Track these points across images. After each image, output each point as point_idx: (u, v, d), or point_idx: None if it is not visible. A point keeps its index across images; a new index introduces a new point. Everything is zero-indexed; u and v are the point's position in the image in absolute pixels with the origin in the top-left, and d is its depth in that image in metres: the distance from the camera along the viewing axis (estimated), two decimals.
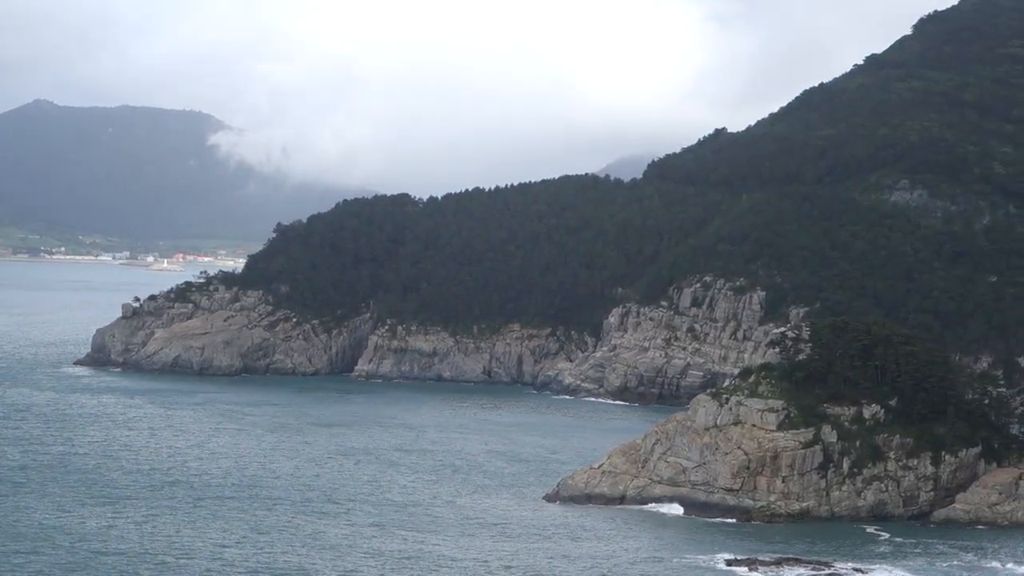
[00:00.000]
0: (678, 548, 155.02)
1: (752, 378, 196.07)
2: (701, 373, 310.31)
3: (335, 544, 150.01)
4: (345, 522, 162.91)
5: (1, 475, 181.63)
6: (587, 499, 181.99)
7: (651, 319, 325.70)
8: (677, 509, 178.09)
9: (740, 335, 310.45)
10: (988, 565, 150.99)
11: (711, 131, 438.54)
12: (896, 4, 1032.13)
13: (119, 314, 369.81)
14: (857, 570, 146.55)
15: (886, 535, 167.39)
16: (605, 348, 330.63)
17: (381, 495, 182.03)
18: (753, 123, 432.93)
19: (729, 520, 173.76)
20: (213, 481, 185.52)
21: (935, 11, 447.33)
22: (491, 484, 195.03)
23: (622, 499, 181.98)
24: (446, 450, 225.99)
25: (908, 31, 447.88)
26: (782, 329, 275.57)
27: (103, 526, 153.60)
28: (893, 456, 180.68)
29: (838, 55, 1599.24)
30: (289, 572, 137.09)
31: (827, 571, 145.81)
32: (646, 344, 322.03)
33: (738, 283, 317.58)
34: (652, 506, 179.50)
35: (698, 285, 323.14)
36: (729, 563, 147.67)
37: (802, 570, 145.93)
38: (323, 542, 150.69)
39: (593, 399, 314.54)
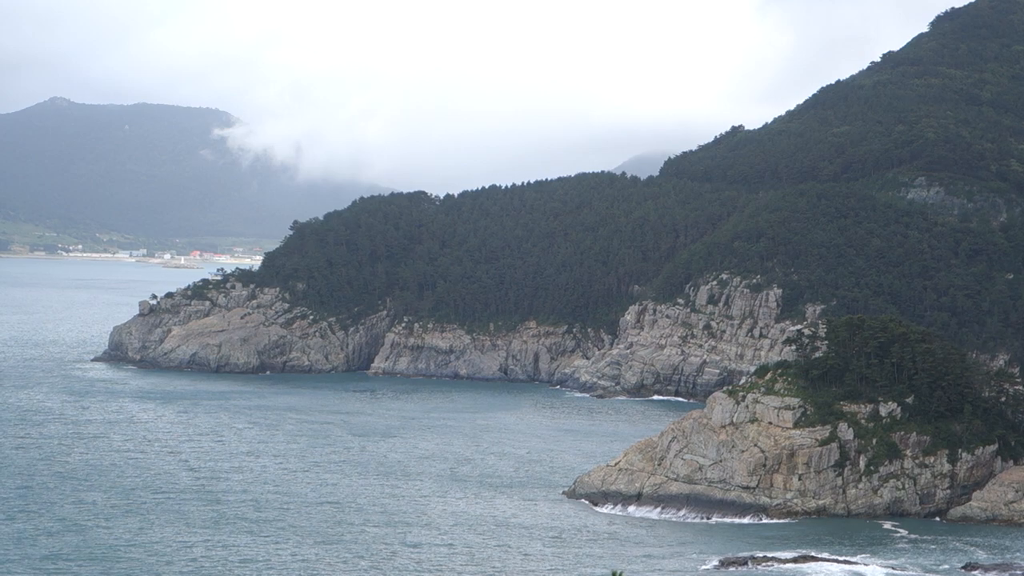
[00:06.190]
0: (694, 545, 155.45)
1: (768, 375, 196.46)
2: (717, 371, 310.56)
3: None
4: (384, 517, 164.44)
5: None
6: (603, 496, 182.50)
7: (667, 316, 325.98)
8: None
9: (756, 332, 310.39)
10: (1004, 562, 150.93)
11: (728, 128, 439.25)
12: None
13: (136, 311, 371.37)
14: (874, 565, 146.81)
15: (903, 531, 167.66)
16: (622, 345, 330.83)
17: (390, 494, 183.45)
18: (770, 120, 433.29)
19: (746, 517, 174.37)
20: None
21: (952, 8, 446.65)
22: (508, 482, 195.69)
23: (638, 496, 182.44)
24: (452, 453, 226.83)
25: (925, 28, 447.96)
26: (798, 326, 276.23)
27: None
28: (910, 454, 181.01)
29: (872, 49, 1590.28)
30: None
31: (845, 567, 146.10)
32: (662, 341, 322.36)
33: (754, 280, 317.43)
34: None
35: (714, 282, 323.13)
36: (745, 560, 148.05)
37: (819, 566, 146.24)
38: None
39: (609, 396, 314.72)
